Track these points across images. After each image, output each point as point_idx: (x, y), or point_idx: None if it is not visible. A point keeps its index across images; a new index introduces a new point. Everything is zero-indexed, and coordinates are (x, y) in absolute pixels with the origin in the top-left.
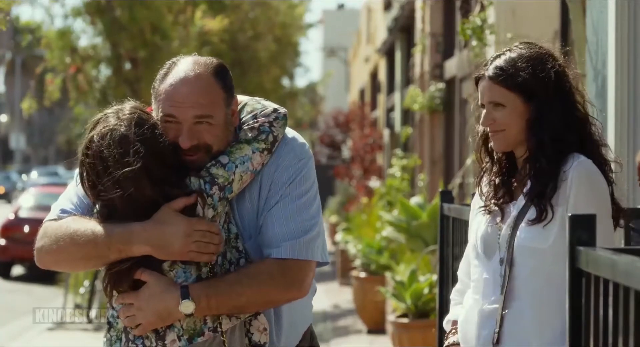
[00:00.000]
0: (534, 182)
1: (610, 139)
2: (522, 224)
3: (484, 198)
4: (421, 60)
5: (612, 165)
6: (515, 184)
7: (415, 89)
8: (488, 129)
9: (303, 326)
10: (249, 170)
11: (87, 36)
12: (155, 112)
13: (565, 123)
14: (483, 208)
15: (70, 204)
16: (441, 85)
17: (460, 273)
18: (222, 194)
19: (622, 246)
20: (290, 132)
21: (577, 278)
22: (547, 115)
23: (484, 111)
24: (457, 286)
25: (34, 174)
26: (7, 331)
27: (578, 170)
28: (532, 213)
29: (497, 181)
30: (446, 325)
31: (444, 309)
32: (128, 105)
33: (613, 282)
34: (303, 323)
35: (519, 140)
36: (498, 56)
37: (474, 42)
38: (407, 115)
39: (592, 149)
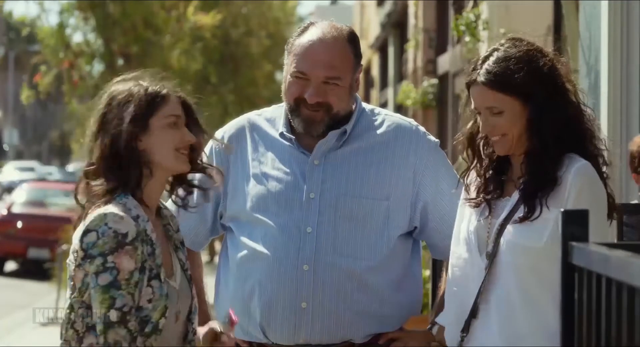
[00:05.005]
0: (530, 181)
1: (603, 133)
2: (512, 221)
3: (470, 191)
4: (414, 55)
5: (606, 158)
6: (507, 180)
7: (408, 84)
8: (487, 135)
9: None
10: None
11: (80, 32)
12: (287, 65)
13: (566, 119)
14: (471, 201)
15: None
16: (434, 80)
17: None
18: None
19: (615, 241)
20: None
21: (570, 273)
22: (547, 114)
23: (479, 117)
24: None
25: (8, 168)
26: (0, 326)
27: (579, 176)
28: (521, 211)
29: (487, 174)
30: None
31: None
32: (146, 84)
33: (606, 277)
34: None
35: (521, 142)
36: (487, 58)
37: (467, 38)
38: (400, 111)
39: (586, 142)
